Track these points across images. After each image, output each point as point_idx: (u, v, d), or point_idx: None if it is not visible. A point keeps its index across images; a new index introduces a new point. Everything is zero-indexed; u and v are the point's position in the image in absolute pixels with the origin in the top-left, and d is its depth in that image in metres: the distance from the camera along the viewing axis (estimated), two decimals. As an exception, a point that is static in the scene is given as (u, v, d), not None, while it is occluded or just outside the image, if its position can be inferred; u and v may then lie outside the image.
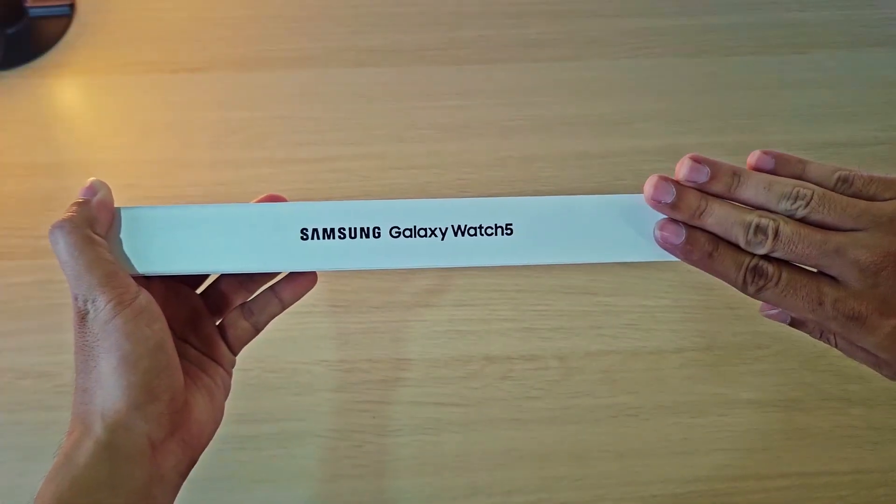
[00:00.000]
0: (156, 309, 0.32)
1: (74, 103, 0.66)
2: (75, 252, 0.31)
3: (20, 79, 0.66)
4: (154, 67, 0.66)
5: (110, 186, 0.35)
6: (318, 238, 0.35)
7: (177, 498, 0.58)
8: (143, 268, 0.34)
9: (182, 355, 0.35)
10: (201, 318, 0.38)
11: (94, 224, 0.32)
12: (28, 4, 0.67)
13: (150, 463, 0.31)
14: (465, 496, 0.57)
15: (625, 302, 0.61)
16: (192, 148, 0.64)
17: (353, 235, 0.35)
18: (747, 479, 0.58)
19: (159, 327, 0.32)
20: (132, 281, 0.32)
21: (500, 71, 0.67)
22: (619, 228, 0.36)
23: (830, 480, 0.58)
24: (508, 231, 0.35)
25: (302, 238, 0.35)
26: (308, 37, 0.66)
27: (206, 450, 0.57)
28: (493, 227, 0.35)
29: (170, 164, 0.64)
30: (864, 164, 0.63)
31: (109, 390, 0.30)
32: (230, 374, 0.39)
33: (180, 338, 0.37)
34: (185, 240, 0.35)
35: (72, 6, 0.67)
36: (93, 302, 0.31)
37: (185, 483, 0.57)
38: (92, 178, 0.34)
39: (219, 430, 0.58)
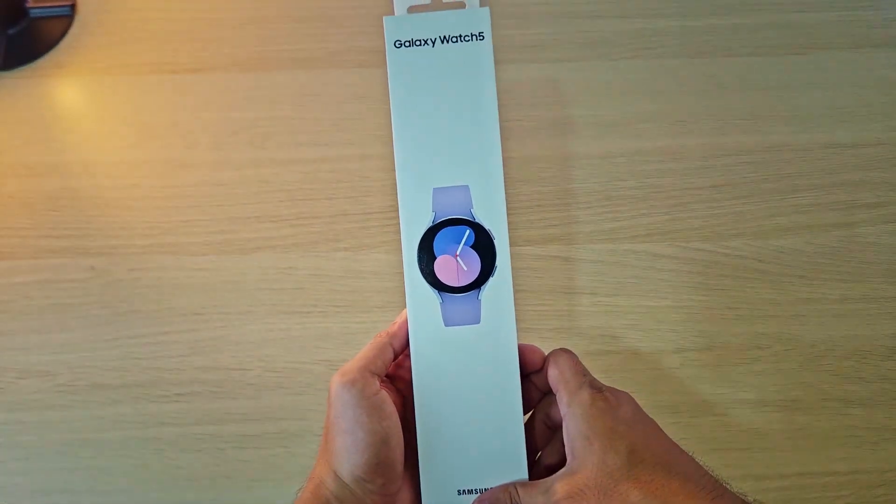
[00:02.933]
0: (389, 408, 0.37)
1: (75, 103, 0.66)
2: (365, 352, 0.39)
3: (21, 79, 0.66)
4: (155, 68, 0.66)
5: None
6: None
7: (177, 496, 0.58)
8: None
9: (412, 447, 0.40)
10: None
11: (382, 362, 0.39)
12: (29, 5, 0.67)
13: None
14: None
15: (626, 302, 0.61)
16: (193, 148, 0.64)
17: None
18: (747, 479, 0.58)
19: (388, 424, 0.37)
20: (376, 381, 0.38)
21: (501, 71, 0.67)
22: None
23: (830, 480, 0.58)
24: None
25: None
26: (309, 38, 0.66)
27: (208, 449, 0.58)
28: None
29: (171, 164, 0.64)
30: (865, 166, 0.63)
31: (341, 460, 0.37)
32: None
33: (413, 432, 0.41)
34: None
35: (73, 7, 0.67)
36: (342, 388, 0.37)
37: (187, 482, 0.58)
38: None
39: (219, 430, 0.58)
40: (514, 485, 0.38)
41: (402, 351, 0.40)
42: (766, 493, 0.57)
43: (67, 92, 0.66)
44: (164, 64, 0.66)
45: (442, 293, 0.39)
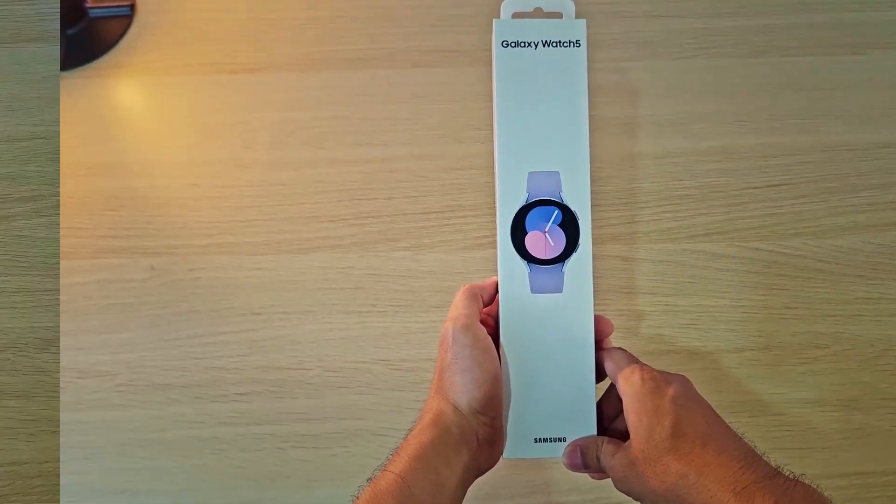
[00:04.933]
0: (495, 352, 0.43)
1: (135, 103, 0.66)
2: (467, 301, 0.44)
3: (81, 79, 0.66)
4: (214, 68, 0.66)
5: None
6: None
7: (237, 496, 0.58)
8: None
9: None
10: None
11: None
12: (89, 5, 0.67)
13: (475, 450, 0.41)
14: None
15: (684, 302, 0.61)
16: (251, 148, 0.64)
17: None
18: (804, 478, 0.58)
19: (496, 365, 0.43)
20: (485, 331, 0.43)
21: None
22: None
23: (889, 480, 0.58)
24: None
25: None
26: (367, 37, 0.66)
27: (267, 448, 0.58)
28: None
29: (229, 164, 0.64)
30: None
31: (460, 394, 0.42)
32: None
33: None
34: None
35: (132, 7, 0.67)
36: (460, 332, 0.42)
37: (247, 482, 0.58)
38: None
39: (279, 429, 0.58)
40: (603, 439, 0.43)
41: (488, 304, 0.46)
42: (824, 492, 0.57)
43: (126, 92, 0.66)
44: (222, 64, 0.66)
45: (530, 264, 0.45)
